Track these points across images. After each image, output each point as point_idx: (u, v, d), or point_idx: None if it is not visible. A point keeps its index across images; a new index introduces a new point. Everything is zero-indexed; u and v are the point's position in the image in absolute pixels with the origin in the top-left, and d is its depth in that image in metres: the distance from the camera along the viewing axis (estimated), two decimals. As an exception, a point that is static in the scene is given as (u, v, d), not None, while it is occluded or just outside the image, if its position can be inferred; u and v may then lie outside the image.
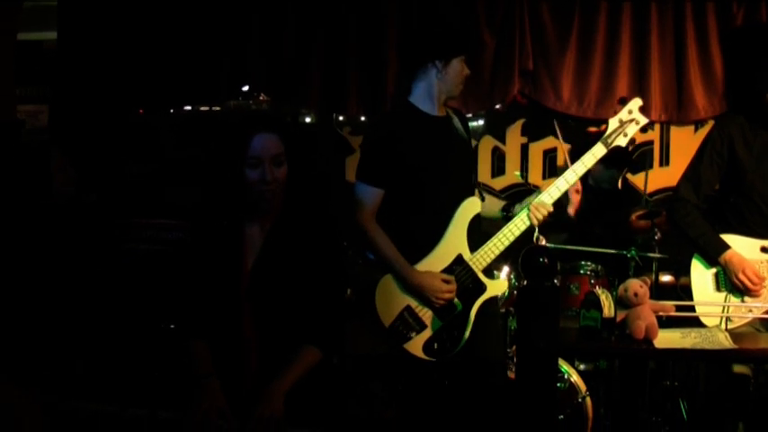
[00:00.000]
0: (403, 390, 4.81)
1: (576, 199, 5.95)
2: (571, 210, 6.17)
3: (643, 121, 4.77)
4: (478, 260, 4.70)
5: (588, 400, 5.42)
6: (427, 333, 4.65)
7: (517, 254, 5.88)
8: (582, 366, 5.70)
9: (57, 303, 5.36)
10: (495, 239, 4.72)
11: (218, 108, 7.48)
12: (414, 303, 4.65)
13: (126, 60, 7.12)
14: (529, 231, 5.43)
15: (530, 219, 4.73)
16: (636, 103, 4.77)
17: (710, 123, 6.44)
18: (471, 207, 4.73)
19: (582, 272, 5.85)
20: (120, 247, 5.94)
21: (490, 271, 4.81)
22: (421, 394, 4.74)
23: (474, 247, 4.71)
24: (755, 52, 6.30)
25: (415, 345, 4.64)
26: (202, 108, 7.48)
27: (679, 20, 6.60)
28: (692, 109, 6.60)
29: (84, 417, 3.64)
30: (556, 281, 5.76)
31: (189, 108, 7.48)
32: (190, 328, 3.92)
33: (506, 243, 4.74)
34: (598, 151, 4.75)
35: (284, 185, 3.82)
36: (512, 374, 5.31)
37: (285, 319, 3.84)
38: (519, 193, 6.99)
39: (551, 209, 4.77)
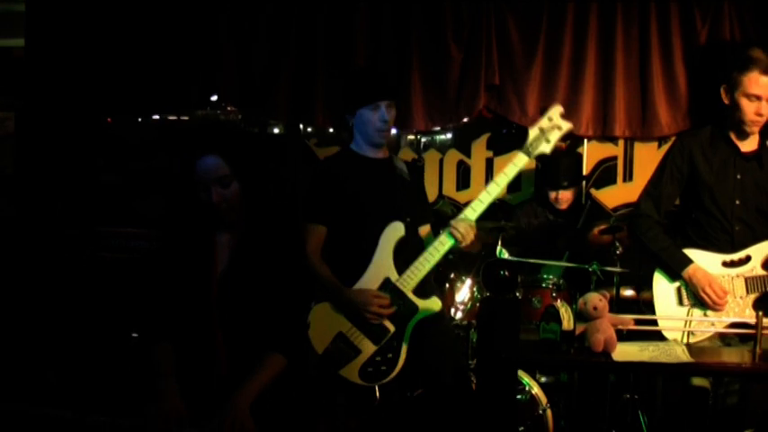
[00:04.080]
0: (366, 400, 4.83)
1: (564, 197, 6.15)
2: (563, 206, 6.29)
3: (565, 126, 4.82)
4: (405, 281, 4.71)
5: (549, 412, 5.44)
6: (362, 358, 4.68)
7: (480, 266, 5.98)
8: (543, 379, 5.73)
9: (21, 310, 5.36)
10: (419, 260, 4.72)
11: (186, 117, 7.47)
12: (346, 328, 4.71)
13: (94, 68, 7.11)
14: (492, 245, 5.52)
15: (452, 237, 4.73)
16: (556, 110, 4.82)
17: (674, 139, 6.51)
18: (394, 231, 4.77)
19: (544, 285, 5.88)
20: (86, 255, 5.94)
21: (425, 290, 4.79)
22: (383, 405, 4.77)
23: (403, 270, 4.75)
24: (718, 68, 6.37)
25: (351, 371, 4.68)
26: (171, 117, 7.47)
27: (644, 37, 6.65)
28: (655, 125, 6.65)
29: (45, 423, 3.64)
30: (518, 293, 5.83)
31: (157, 117, 7.47)
32: (155, 332, 3.94)
33: (432, 262, 4.73)
34: (520, 161, 4.76)
35: (238, 201, 3.85)
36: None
37: (253, 325, 3.86)
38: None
39: (473, 224, 4.76)
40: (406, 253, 4.77)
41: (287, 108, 7.01)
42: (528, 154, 4.76)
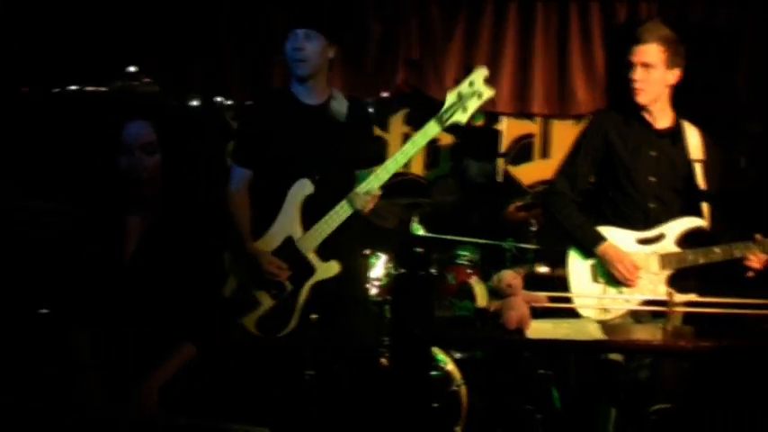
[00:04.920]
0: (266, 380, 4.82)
1: None
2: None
3: (487, 93, 4.58)
4: (306, 241, 4.64)
5: (463, 388, 5.44)
6: (260, 310, 4.64)
7: (395, 243, 5.96)
8: (458, 355, 5.74)
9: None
10: (319, 223, 4.61)
11: (104, 89, 7.37)
12: (248, 280, 4.66)
13: (7, 37, 6.98)
14: (407, 221, 5.48)
15: (351, 206, 4.60)
16: (480, 74, 4.58)
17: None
18: (300, 189, 4.66)
19: (459, 262, 5.88)
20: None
21: (328, 253, 4.69)
22: (286, 384, 4.79)
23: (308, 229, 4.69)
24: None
25: (250, 320, 4.65)
26: (88, 88, 7.37)
27: (563, 14, 6.69)
28: (573, 103, 6.70)
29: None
30: (433, 270, 5.83)
31: (75, 88, 7.36)
32: (72, 317, 3.90)
33: (332, 226, 4.61)
34: (431, 129, 4.56)
35: (158, 173, 3.81)
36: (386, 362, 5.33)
37: (163, 312, 3.83)
38: (399, 183, 7.03)
39: (377, 193, 4.60)
40: (321, 209, 4.66)
41: (203, 80, 6.99)
42: (441, 123, 4.56)
